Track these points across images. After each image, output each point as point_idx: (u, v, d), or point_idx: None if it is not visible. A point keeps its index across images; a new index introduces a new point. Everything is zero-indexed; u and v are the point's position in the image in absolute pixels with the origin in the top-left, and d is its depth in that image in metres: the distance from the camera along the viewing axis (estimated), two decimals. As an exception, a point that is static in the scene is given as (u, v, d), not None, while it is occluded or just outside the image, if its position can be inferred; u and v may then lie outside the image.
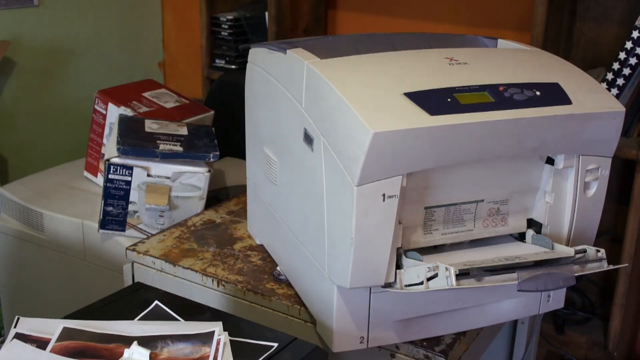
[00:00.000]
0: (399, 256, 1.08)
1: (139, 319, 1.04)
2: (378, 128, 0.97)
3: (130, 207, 1.64)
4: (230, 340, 0.98)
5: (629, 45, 1.92)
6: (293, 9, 2.52)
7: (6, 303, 2.00)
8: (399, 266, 1.08)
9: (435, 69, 1.12)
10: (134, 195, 1.63)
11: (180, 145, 1.65)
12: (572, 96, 1.09)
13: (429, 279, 1.03)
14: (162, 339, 0.97)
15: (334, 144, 1.04)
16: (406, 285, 1.07)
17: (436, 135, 1.00)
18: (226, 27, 2.61)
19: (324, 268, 1.12)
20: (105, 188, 1.62)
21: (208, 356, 0.94)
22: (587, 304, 2.29)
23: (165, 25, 3.02)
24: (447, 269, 1.00)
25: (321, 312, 1.18)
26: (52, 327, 0.98)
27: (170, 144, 1.64)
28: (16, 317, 0.99)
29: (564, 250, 1.11)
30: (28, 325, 0.98)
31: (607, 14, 2.10)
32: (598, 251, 1.08)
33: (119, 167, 1.61)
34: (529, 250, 1.14)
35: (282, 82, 1.21)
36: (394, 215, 1.03)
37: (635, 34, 1.90)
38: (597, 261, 1.08)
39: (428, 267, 1.03)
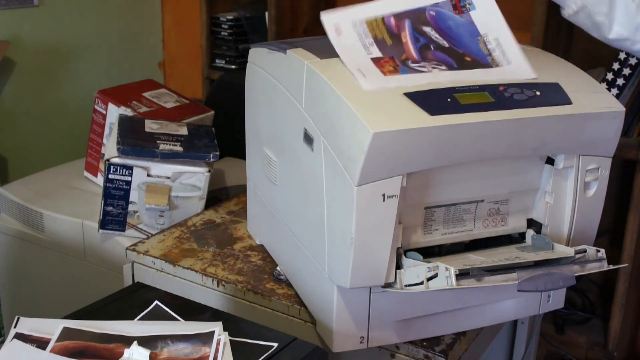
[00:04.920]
0: (399, 256, 1.08)
1: (139, 319, 1.04)
2: (378, 128, 0.97)
3: (130, 207, 1.64)
4: (230, 340, 0.98)
5: (629, 45, 1.91)
6: (293, 9, 2.52)
7: (6, 303, 2.00)
8: (399, 266, 1.08)
9: (435, 68, 1.12)
10: (134, 195, 1.63)
11: (180, 145, 1.65)
12: (572, 96, 1.09)
13: (429, 279, 1.03)
14: (162, 339, 0.97)
15: (334, 144, 1.04)
16: (406, 285, 1.07)
17: (436, 135, 1.00)
18: (226, 27, 2.61)
19: (324, 268, 1.12)
20: (105, 188, 1.62)
21: (208, 356, 0.94)
22: (587, 304, 2.29)
23: (165, 25, 3.01)
24: (447, 269, 1.00)
25: (321, 312, 1.18)
26: (52, 327, 0.98)
27: (170, 144, 1.64)
28: (16, 317, 0.99)
29: (564, 250, 1.11)
30: (28, 325, 0.98)
31: (607, 14, 2.10)
32: (598, 251, 1.08)
33: (119, 167, 1.61)
34: (528, 250, 1.14)
35: (282, 82, 1.21)
36: (394, 215, 1.03)
37: (635, 34, 1.90)
38: (597, 261, 1.08)
39: (428, 267, 1.03)
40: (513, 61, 1.13)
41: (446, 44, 1.13)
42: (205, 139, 1.72)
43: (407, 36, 1.13)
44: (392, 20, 1.14)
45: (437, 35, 1.14)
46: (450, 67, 1.10)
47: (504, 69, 1.12)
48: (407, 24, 1.14)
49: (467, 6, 1.16)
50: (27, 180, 1.99)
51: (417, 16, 1.15)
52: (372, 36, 1.12)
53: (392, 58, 1.10)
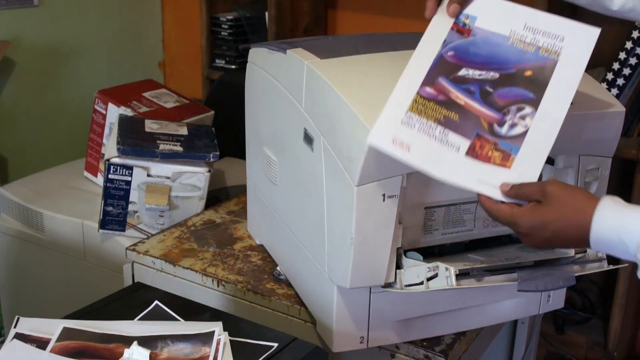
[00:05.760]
0: (399, 256, 1.08)
1: (139, 319, 1.04)
2: (378, 128, 0.97)
3: (130, 207, 1.64)
4: (230, 340, 0.98)
5: (629, 45, 1.92)
6: (293, 9, 2.52)
7: (6, 303, 2.00)
8: (399, 266, 1.08)
9: (436, 69, 1.12)
10: (134, 195, 1.63)
11: (180, 145, 1.65)
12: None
13: (429, 279, 1.03)
14: (162, 339, 0.97)
15: (334, 144, 1.04)
16: (406, 285, 1.07)
17: (436, 135, 1.00)
18: (226, 27, 2.61)
19: (324, 268, 1.12)
20: (105, 188, 1.62)
21: (208, 356, 0.94)
22: (587, 304, 2.29)
23: (165, 25, 3.01)
24: (447, 269, 1.00)
25: (321, 312, 1.18)
26: (52, 327, 0.98)
27: (170, 144, 1.64)
28: (16, 317, 0.99)
29: (564, 251, 1.11)
30: (28, 325, 0.98)
31: (607, 14, 2.10)
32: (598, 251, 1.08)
33: (119, 167, 1.61)
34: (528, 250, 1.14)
35: (282, 82, 1.21)
36: (394, 215, 1.03)
37: (635, 34, 1.90)
38: (597, 261, 1.08)
39: (428, 267, 1.03)
40: (565, 34, 0.98)
41: (496, 74, 0.99)
42: (205, 139, 1.72)
43: (459, 95, 0.98)
44: (429, 90, 0.98)
45: (479, 72, 1.00)
46: (532, 103, 0.97)
47: (567, 51, 0.97)
48: (445, 82, 0.99)
49: (467, 22, 1.02)
50: (27, 180, 1.99)
51: (443, 68, 1.00)
52: (435, 122, 0.97)
53: (479, 137, 0.96)
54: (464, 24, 1.02)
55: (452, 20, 1.02)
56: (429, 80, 0.99)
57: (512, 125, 0.97)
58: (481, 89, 0.98)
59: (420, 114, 0.97)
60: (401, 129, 0.96)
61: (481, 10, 1.02)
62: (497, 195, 0.95)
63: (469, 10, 1.02)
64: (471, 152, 0.96)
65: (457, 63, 1.00)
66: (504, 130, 0.96)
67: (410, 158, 0.95)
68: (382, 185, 1.01)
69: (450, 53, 1.00)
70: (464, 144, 0.96)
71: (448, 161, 0.96)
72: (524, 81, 0.98)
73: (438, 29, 1.02)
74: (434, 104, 0.98)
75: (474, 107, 0.97)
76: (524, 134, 0.96)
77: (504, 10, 1.02)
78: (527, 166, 0.95)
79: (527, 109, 0.97)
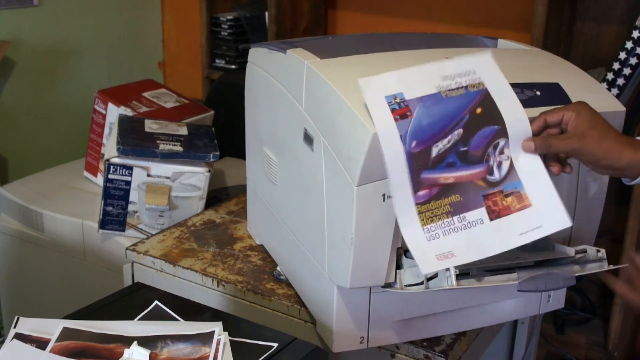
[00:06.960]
0: (399, 256, 1.08)
1: (139, 319, 1.04)
2: (378, 128, 0.97)
3: (130, 207, 1.64)
4: (230, 340, 0.98)
5: (629, 45, 1.92)
6: (293, 9, 2.52)
7: (6, 303, 2.00)
8: (399, 266, 1.08)
9: (435, 69, 1.12)
10: (133, 195, 1.63)
11: (180, 145, 1.65)
12: (572, 96, 1.09)
13: (429, 279, 1.03)
14: (162, 339, 0.97)
15: (334, 144, 1.04)
16: (406, 285, 1.07)
17: (436, 135, 1.00)
18: (226, 27, 2.61)
19: (324, 268, 1.12)
20: (105, 188, 1.62)
21: (208, 356, 0.94)
22: (587, 304, 2.29)
23: (165, 25, 3.01)
24: (447, 269, 1.00)
25: (321, 312, 1.18)
26: (52, 327, 0.97)
27: (170, 144, 1.64)
28: (16, 317, 0.99)
29: (564, 251, 1.11)
30: (28, 325, 0.98)
31: (607, 14, 2.10)
32: (598, 251, 1.08)
33: (118, 167, 1.61)
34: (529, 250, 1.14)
35: (282, 82, 1.21)
36: (394, 215, 1.03)
37: (635, 34, 1.90)
38: (597, 261, 1.08)
39: (428, 267, 1.03)
40: (473, 67, 1.02)
41: (460, 130, 1.00)
42: (205, 139, 1.72)
43: (446, 176, 0.99)
44: (423, 193, 0.99)
45: (446, 139, 0.99)
46: (501, 133, 1.00)
47: (485, 78, 1.02)
48: (428, 174, 0.98)
49: (398, 100, 1.00)
50: (27, 180, 1.99)
51: (418, 163, 0.98)
52: (449, 216, 0.99)
53: (486, 197, 0.99)
54: (399, 104, 1.00)
55: (388, 110, 1.00)
56: (416, 184, 0.99)
57: (499, 165, 1.00)
58: (457, 153, 1.00)
59: (434, 220, 0.99)
60: (433, 245, 0.99)
61: (402, 85, 1.01)
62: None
63: (391, 91, 1.01)
64: (492, 215, 1.00)
65: (425, 147, 0.99)
66: (496, 175, 1.01)
67: (459, 260, 0.98)
68: (382, 185, 1.00)
69: (413, 144, 0.99)
70: (482, 212, 1.00)
71: (483, 237, 0.99)
72: (482, 119, 1.01)
73: (385, 128, 0.98)
74: (435, 202, 0.99)
75: (463, 175, 1.00)
76: (511, 165, 1.00)
77: (417, 75, 1.02)
78: (544, 195, 1.00)
79: (501, 141, 1.01)
